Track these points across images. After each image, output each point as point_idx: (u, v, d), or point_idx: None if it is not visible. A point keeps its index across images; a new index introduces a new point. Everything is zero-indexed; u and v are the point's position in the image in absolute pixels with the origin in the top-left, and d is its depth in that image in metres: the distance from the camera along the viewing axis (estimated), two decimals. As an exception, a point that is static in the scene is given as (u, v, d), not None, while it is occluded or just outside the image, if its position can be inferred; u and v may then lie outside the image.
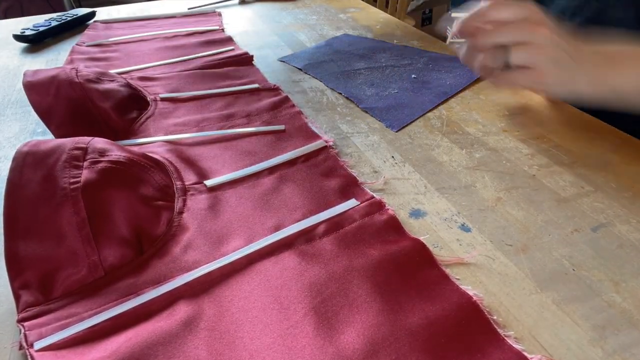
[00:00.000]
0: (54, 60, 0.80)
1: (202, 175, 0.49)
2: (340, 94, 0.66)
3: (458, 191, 0.46)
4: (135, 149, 0.50)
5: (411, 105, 0.63)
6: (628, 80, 0.51)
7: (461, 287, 0.35)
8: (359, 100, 0.64)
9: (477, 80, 0.68)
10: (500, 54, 0.52)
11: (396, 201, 0.45)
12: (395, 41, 0.85)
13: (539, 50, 0.51)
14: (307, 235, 0.41)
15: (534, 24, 0.51)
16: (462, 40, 0.57)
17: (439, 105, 0.63)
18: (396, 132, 0.57)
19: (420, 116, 0.60)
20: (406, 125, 0.58)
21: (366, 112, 0.61)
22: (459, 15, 0.56)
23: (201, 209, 0.44)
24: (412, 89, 0.67)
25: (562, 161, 0.50)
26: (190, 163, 0.50)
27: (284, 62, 0.77)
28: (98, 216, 0.38)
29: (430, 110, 0.62)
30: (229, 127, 0.58)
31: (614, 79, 0.51)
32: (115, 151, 0.43)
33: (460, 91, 0.66)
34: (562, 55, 0.52)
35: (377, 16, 1.01)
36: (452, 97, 0.65)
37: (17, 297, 0.35)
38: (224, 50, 0.81)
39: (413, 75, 0.70)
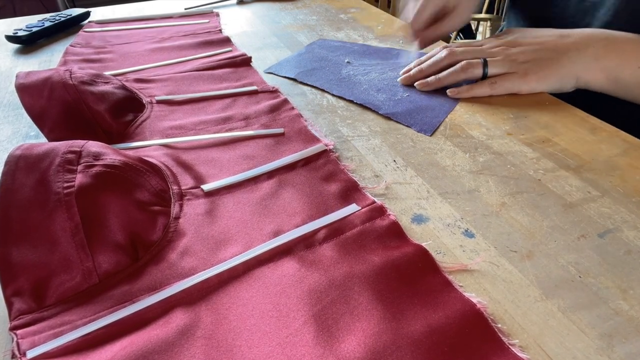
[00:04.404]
0: (47, 62, 0.79)
1: (199, 179, 0.48)
2: (352, 101, 0.65)
3: (461, 196, 0.46)
4: (131, 152, 0.49)
5: (432, 107, 0.61)
6: (627, 66, 0.57)
7: (465, 294, 0.35)
8: (377, 107, 0.62)
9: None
10: (478, 65, 0.62)
11: (398, 206, 0.45)
12: (390, 42, 0.84)
13: (509, 60, 0.61)
14: (306, 241, 0.40)
15: (494, 45, 0.64)
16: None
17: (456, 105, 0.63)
18: (430, 135, 0.56)
19: (445, 118, 0.59)
20: (436, 129, 0.57)
21: (389, 118, 0.60)
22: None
23: (198, 214, 0.44)
24: (421, 92, 0.66)
25: (568, 165, 0.49)
26: (187, 167, 0.50)
27: (271, 73, 0.74)
28: (92, 221, 0.37)
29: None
30: (227, 130, 0.57)
31: (610, 64, 0.57)
32: (110, 155, 0.42)
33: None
34: (536, 55, 0.60)
35: (379, 16, 1.00)
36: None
37: (9, 305, 0.35)
38: (222, 52, 0.80)
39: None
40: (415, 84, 0.66)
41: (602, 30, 0.59)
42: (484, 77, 0.62)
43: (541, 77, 0.59)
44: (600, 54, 0.56)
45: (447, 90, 0.63)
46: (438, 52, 0.66)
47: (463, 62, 0.62)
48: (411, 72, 0.67)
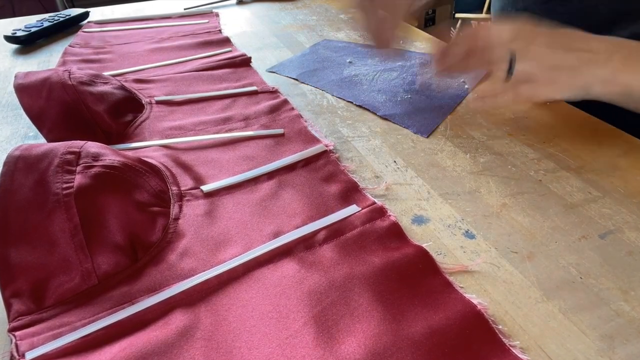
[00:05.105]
0: (46, 62, 0.79)
1: (199, 180, 0.48)
2: (352, 102, 0.64)
3: (462, 197, 0.45)
4: (130, 153, 0.49)
5: (430, 109, 0.61)
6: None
7: (465, 295, 0.35)
8: (376, 108, 0.62)
9: (481, 82, 0.67)
10: (503, 54, 0.54)
11: (398, 207, 0.45)
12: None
13: (536, 62, 0.55)
14: (306, 242, 0.40)
15: (525, 39, 0.55)
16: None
17: (455, 107, 0.62)
18: (427, 137, 0.56)
19: (443, 120, 0.59)
20: (434, 130, 0.57)
21: (387, 119, 0.60)
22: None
23: (198, 215, 0.43)
24: (422, 93, 0.65)
25: (569, 166, 0.49)
26: (187, 168, 0.49)
27: (273, 72, 0.74)
28: (91, 222, 0.37)
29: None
30: (227, 131, 0.57)
31: (627, 79, 0.52)
32: (109, 155, 0.42)
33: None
34: (562, 61, 0.54)
35: (378, 17, 1.00)
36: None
37: (8, 306, 0.35)
38: (222, 52, 0.80)
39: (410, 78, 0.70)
40: (437, 71, 0.60)
41: (623, 41, 0.56)
42: (509, 71, 0.55)
43: (563, 87, 0.54)
44: (619, 67, 0.53)
45: (470, 100, 0.59)
46: (461, 42, 0.59)
47: (490, 60, 0.56)
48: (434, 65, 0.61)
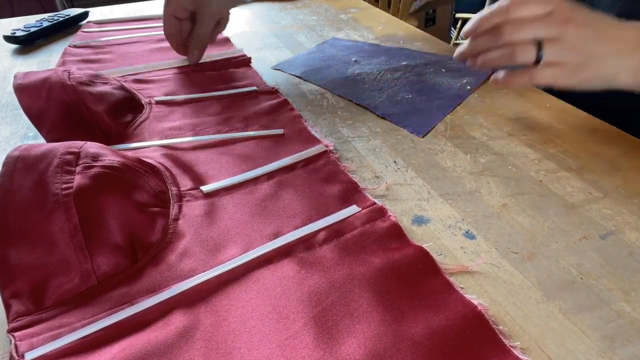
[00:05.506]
0: (45, 62, 0.79)
1: (199, 180, 0.48)
2: (351, 101, 0.64)
3: (462, 197, 0.45)
4: (130, 153, 0.49)
5: (428, 109, 0.61)
6: None
7: (465, 296, 0.35)
8: (375, 108, 0.62)
9: (483, 83, 0.67)
10: (529, 50, 0.51)
11: (398, 207, 0.44)
12: (386, 43, 0.84)
13: (569, 46, 0.51)
14: (306, 243, 0.40)
15: (561, 20, 0.51)
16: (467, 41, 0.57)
17: (454, 108, 0.62)
18: (422, 137, 0.56)
19: (440, 121, 0.59)
20: (430, 130, 0.57)
21: (384, 118, 0.60)
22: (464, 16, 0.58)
23: (197, 216, 0.43)
24: (423, 93, 0.65)
25: (569, 166, 0.49)
26: (186, 168, 0.49)
27: (278, 69, 0.75)
28: (91, 223, 0.37)
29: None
30: (226, 131, 0.57)
31: None
32: (108, 156, 0.42)
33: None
34: (594, 49, 0.51)
35: (379, 17, 1.00)
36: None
37: (7, 307, 0.35)
38: (222, 52, 0.80)
39: (413, 78, 0.69)
40: (467, 63, 0.57)
41: None
42: (537, 61, 0.52)
43: (588, 76, 0.52)
44: None
45: (491, 80, 0.55)
46: (490, 19, 0.54)
47: (516, 48, 0.52)
48: (464, 49, 0.58)
